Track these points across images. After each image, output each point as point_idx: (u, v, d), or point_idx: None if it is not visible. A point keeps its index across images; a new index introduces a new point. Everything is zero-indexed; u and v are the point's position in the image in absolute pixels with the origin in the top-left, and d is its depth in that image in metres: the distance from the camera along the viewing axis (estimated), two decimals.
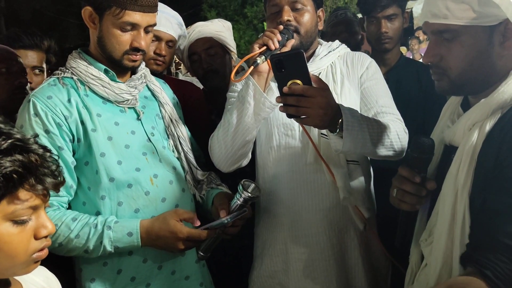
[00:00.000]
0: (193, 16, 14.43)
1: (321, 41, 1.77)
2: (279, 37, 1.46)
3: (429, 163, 1.18)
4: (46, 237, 0.93)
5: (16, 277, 0.96)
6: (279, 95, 1.31)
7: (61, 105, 1.42)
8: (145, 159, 1.50)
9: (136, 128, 1.52)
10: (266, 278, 1.71)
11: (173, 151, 1.60)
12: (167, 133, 1.62)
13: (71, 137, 1.43)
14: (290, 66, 1.25)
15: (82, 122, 1.43)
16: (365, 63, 1.71)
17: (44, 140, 1.38)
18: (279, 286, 1.68)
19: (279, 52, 1.42)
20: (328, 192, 1.62)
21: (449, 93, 1.19)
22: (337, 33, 2.86)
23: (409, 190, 1.17)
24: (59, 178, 0.92)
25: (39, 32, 2.13)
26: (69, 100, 1.44)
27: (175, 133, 1.62)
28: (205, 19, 14.85)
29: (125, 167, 1.46)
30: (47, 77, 2.03)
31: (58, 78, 1.49)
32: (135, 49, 1.46)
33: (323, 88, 1.31)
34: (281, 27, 1.52)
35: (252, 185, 1.47)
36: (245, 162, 1.63)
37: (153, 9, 1.46)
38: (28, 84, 1.93)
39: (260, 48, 1.45)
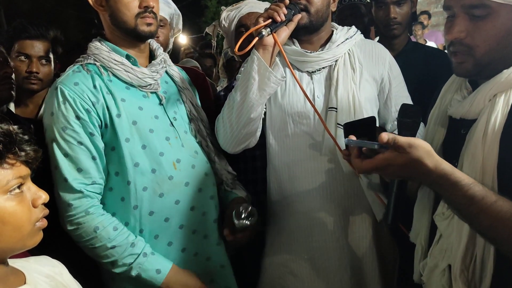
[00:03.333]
0: (193, 4, 14.35)
1: (336, 25, 1.75)
2: (284, 10, 1.46)
3: (415, 128, 1.16)
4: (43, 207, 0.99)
5: (19, 267, 0.99)
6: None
7: (88, 91, 1.44)
8: (168, 143, 1.51)
9: (159, 113, 1.54)
10: (278, 266, 1.71)
11: (195, 136, 1.61)
12: (189, 118, 1.63)
13: (100, 123, 1.44)
14: (361, 128, 1.36)
15: (108, 108, 1.45)
16: (386, 58, 1.71)
17: (75, 126, 1.41)
18: (291, 275, 1.68)
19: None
20: (342, 181, 1.62)
21: (472, 74, 1.15)
22: (343, 18, 2.84)
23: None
24: (35, 146, 0.97)
25: (45, 23, 2.12)
26: (94, 86, 1.45)
27: (198, 117, 1.63)
28: (205, 7, 14.68)
29: (149, 152, 1.47)
30: (54, 66, 2.03)
31: (81, 65, 1.50)
32: (145, 10, 1.47)
33: None
34: (287, 1, 1.50)
35: (243, 214, 1.49)
36: (252, 142, 1.62)
37: None
38: (36, 74, 1.93)
39: (265, 21, 1.44)
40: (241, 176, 1.83)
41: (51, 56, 2.04)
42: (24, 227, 0.94)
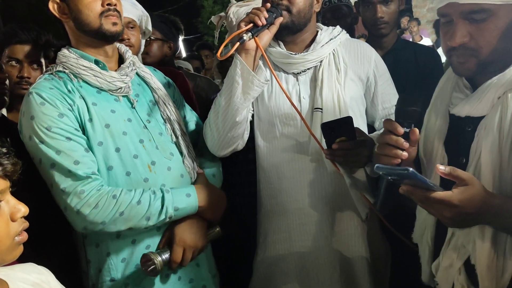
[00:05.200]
0: (190, 5, 14.35)
1: (321, 25, 1.76)
2: (265, 14, 1.47)
3: (414, 117, 1.16)
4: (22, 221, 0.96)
5: (2, 276, 0.97)
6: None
7: (64, 94, 1.44)
8: (142, 146, 1.52)
9: (131, 116, 1.54)
10: (269, 265, 1.72)
11: (170, 136, 1.62)
12: (163, 119, 1.63)
13: (79, 123, 1.45)
14: (338, 128, 1.46)
15: (81, 112, 1.45)
16: (371, 57, 1.72)
17: (60, 124, 1.39)
18: (281, 274, 1.69)
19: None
20: (330, 180, 1.64)
21: (475, 73, 1.15)
22: (325, 21, 2.85)
23: (389, 141, 1.15)
24: (13, 159, 0.94)
25: (37, 27, 2.12)
26: (68, 90, 1.46)
27: (170, 117, 1.63)
28: (201, 7, 14.65)
29: (123, 155, 1.47)
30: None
31: (51, 73, 1.50)
32: (108, 9, 1.47)
33: (366, 139, 1.51)
34: (268, 5, 1.52)
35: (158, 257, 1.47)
36: (240, 145, 1.64)
37: None
38: (27, 79, 1.94)
39: (246, 25, 1.46)
40: (235, 179, 1.85)
41: (43, 60, 2.05)
42: (2, 242, 0.91)
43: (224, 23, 2.24)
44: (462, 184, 0.99)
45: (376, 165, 1.03)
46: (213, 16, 2.17)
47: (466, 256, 1.13)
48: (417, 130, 1.15)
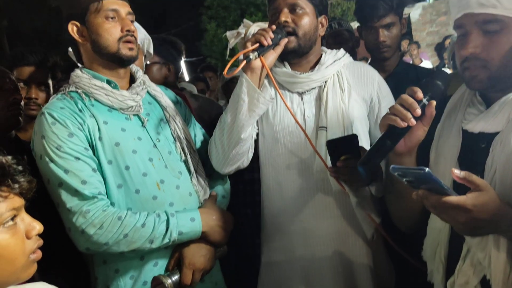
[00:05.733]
0: (193, 28, 14.57)
1: (325, 49, 1.80)
2: (271, 34, 1.51)
3: (437, 92, 1.16)
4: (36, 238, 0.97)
5: None
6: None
7: (74, 113, 1.47)
8: (151, 164, 1.53)
9: (141, 135, 1.56)
10: (273, 286, 1.72)
11: (180, 154, 1.63)
12: (173, 137, 1.65)
13: (89, 142, 1.47)
14: (343, 145, 1.47)
15: (91, 131, 1.48)
16: (374, 78, 1.75)
17: (69, 143, 1.42)
18: None
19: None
20: (335, 199, 1.64)
21: (485, 87, 1.17)
22: (327, 46, 2.89)
23: (404, 101, 1.14)
24: (29, 176, 0.96)
25: (44, 50, 2.17)
26: (79, 110, 1.49)
27: (180, 136, 1.66)
28: (205, 31, 14.87)
29: (133, 173, 1.49)
30: (53, 92, 2.07)
31: (64, 93, 1.54)
32: (127, 34, 1.52)
33: None
34: (274, 26, 1.57)
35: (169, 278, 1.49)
36: (245, 163, 1.66)
37: None
38: (35, 100, 1.97)
39: (252, 45, 1.49)
40: (239, 198, 1.85)
41: (50, 82, 2.09)
42: (18, 260, 0.92)
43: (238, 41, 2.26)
44: (477, 190, 0.99)
45: (392, 166, 1.01)
46: (228, 32, 2.19)
47: (482, 273, 1.12)
48: (434, 103, 1.14)
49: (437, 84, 1.16)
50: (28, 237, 0.95)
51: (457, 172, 0.98)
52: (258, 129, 1.70)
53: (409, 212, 1.35)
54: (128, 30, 1.52)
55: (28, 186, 0.95)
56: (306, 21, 1.63)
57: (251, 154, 1.66)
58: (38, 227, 0.97)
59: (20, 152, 1.17)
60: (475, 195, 0.99)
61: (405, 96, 1.15)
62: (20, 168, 0.94)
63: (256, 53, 1.48)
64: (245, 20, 2.07)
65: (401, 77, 2.30)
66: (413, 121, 1.14)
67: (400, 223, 1.43)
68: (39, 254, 0.97)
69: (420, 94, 1.13)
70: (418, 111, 1.13)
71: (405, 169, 1.02)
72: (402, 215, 1.40)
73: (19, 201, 0.94)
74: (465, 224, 1.01)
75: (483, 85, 1.16)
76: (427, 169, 0.94)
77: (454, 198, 0.99)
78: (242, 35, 1.97)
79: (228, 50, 2.24)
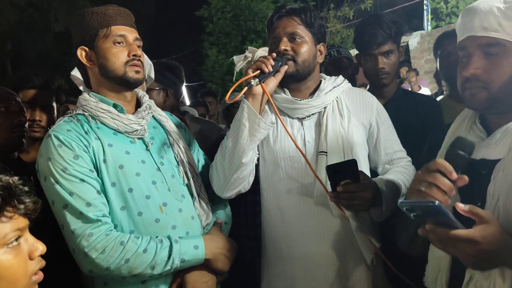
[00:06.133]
0: (195, 53, 14.76)
1: (324, 75, 1.84)
2: (272, 62, 1.56)
3: (463, 163, 1.09)
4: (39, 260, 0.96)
5: None
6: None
7: (80, 136, 1.49)
8: (154, 187, 1.55)
9: (145, 158, 1.58)
10: None
11: (183, 178, 1.65)
12: (176, 161, 1.67)
13: (94, 164, 1.49)
14: (343, 170, 1.51)
15: (96, 153, 1.50)
16: (373, 104, 1.80)
17: (75, 166, 1.44)
18: None
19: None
20: (335, 224, 1.65)
21: (485, 107, 1.19)
22: (327, 73, 2.93)
23: (440, 184, 1.04)
24: (34, 197, 0.96)
25: (49, 72, 2.20)
26: (85, 132, 1.51)
27: (183, 160, 1.68)
28: (206, 56, 14.99)
29: (136, 195, 1.50)
30: (57, 114, 2.10)
31: (71, 116, 1.57)
32: (133, 58, 1.56)
33: (370, 182, 1.57)
34: (274, 54, 1.61)
35: None
36: (246, 187, 1.68)
37: (132, 24, 1.62)
38: (38, 122, 2.00)
39: (254, 72, 1.53)
40: (241, 220, 1.86)
41: (54, 104, 2.11)
42: (20, 281, 0.92)
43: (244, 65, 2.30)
44: (482, 222, 1.00)
45: (400, 201, 1.00)
46: (235, 56, 2.24)
47: None
48: (466, 177, 1.06)
49: (462, 156, 1.08)
50: (31, 258, 0.95)
51: (461, 205, 0.99)
52: (259, 153, 1.72)
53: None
54: (134, 55, 1.56)
55: (33, 207, 0.95)
56: (305, 49, 1.68)
57: (251, 179, 1.68)
58: (41, 248, 0.97)
59: (22, 174, 1.18)
60: (482, 227, 1.00)
61: (440, 179, 1.06)
62: (26, 188, 0.95)
63: (257, 79, 1.52)
64: (249, 48, 2.12)
65: (399, 104, 2.33)
66: (450, 202, 1.07)
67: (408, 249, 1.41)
68: (40, 276, 0.97)
69: (454, 174, 1.06)
70: (454, 193, 1.07)
71: (414, 202, 1.02)
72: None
73: (23, 222, 0.94)
74: (474, 256, 1.02)
75: (482, 105, 1.19)
76: (437, 202, 0.94)
77: (463, 231, 1.00)
78: (249, 59, 2.01)
79: (235, 74, 2.28)
